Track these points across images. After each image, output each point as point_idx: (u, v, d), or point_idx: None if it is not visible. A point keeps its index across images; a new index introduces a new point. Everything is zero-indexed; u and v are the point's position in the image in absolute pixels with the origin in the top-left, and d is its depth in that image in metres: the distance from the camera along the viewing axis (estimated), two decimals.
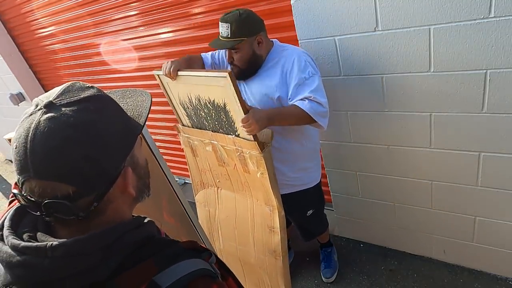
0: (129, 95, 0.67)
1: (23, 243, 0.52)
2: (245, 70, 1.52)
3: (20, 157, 0.51)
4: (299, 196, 1.74)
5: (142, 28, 2.50)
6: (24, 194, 0.52)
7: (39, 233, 0.55)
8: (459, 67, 1.40)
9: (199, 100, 1.48)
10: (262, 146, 1.38)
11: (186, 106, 1.58)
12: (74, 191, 0.51)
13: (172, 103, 1.66)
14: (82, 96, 0.54)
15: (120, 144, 0.57)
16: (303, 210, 1.83)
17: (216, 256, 0.67)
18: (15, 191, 0.54)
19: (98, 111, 0.55)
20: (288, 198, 1.65)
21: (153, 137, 2.73)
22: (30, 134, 0.50)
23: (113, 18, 2.59)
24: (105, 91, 0.61)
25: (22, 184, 0.52)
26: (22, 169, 0.51)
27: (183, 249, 0.61)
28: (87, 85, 0.58)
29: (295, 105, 1.41)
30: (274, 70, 1.50)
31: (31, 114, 0.52)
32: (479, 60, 1.35)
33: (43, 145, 0.50)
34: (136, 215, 0.67)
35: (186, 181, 3.34)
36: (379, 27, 1.46)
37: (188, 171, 1.91)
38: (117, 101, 0.62)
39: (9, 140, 1.23)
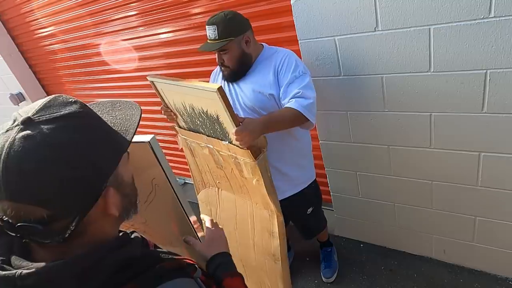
0: (119, 107, 0.63)
1: None
2: (236, 71, 1.53)
3: None
4: (300, 197, 1.76)
5: (142, 28, 2.50)
6: None
7: (13, 256, 0.52)
8: (459, 67, 1.39)
9: (193, 109, 1.46)
10: (255, 153, 1.34)
11: (182, 113, 1.58)
12: (49, 215, 0.48)
13: (169, 108, 1.66)
14: (62, 112, 0.51)
15: (102, 164, 0.53)
16: (304, 209, 1.85)
17: (202, 269, 0.66)
18: None
19: (78, 129, 0.51)
20: (290, 201, 1.67)
21: None
22: (3, 153, 0.46)
23: (113, 18, 2.59)
24: (94, 102, 0.58)
25: None
26: None
27: (166, 270, 0.59)
28: (70, 100, 0.53)
29: (285, 106, 1.42)
30: (267, 69, 1.52)
31: (7, 130, 0.49)
32: (479, 60, 1.35)
33: (16, 166, 0.46)
34: (123, 230, 0.64)
35: (186, 181, 3.34)
36: (379, 27, 1.46)
37: (188, 171, 1.91)
38: (105, 113, 0.59)
39: None
